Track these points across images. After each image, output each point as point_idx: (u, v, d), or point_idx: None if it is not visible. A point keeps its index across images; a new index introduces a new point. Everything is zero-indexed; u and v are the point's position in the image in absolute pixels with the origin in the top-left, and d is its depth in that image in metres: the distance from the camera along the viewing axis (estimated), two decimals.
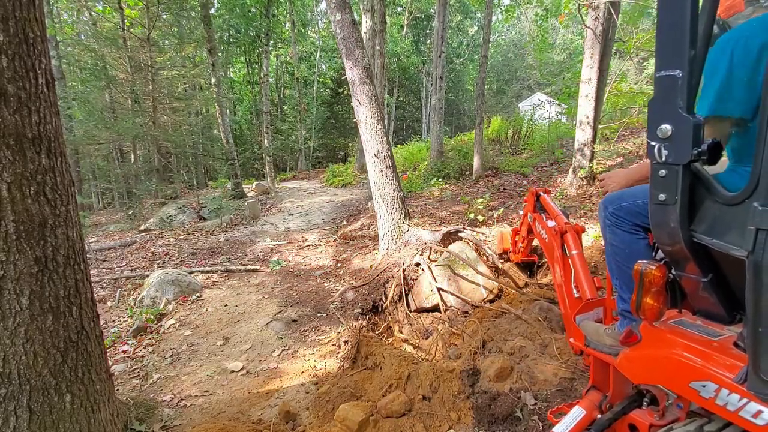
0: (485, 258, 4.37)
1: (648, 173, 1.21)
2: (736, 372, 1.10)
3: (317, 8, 26.62)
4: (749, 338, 1.01)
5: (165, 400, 3.07)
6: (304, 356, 3.67)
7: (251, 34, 18.81)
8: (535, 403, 2.39)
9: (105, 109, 12.65)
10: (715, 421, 1.23)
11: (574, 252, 2.37)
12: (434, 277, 4.00)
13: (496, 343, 2.95)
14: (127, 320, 4.49)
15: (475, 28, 29.39)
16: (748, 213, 0.95)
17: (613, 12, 6.64)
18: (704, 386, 1.16)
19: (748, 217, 0.95)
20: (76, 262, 2.14)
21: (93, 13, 14.50)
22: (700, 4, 1.07)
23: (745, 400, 1.06)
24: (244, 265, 6.41)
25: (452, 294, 3.85)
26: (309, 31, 26.38)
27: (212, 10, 15.12)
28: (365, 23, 12.78)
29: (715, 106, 1.21)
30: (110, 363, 3.20)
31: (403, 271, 4.27)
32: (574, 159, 7.24)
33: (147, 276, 5.50)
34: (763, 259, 0.92)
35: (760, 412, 1.03)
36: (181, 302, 4.78)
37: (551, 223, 2.73)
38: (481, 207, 6.72)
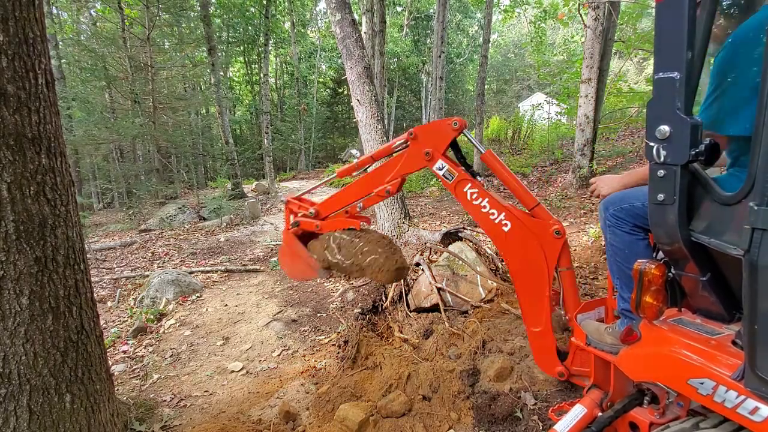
0: (485, 258, 4.37)
1: (642, 179, 1.22)
2: (733, 369, 1.10)
3: (317, 8, 26.63)
4: (746, 336, 1.02)
5: (165, 400, 3.07)
6: (304, 356, 3.67)
7: (250, 33, 18.83)
8: (535, 403, 2.40)
9: (105, 109, 12.66)
10: (711, 418, 1.23)
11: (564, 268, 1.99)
12: (434, 277, 4.00)
13: (496, 343, 2.96)
14: (127, 320, 4.49)
15: (475, 27, 29.41)
16: (745, 213, 0.96)
17: (612, 12, 6.65)
18: (702, 383, 1.16)
19: (745, 217, 0.95)
20: (76, 262, 2.15)
21: (93, 12, 14.52)
22: (699, 6, 1.08)
23: (742, 397, 1.07)
24: (244, 265, 6.41)
25: (452, 294, 3.85)
26: (309, 31, 26.40)
27: (210, 10, 15.10)
28: (365, 23, 12.79)
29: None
30: (110, 363, 3.20)
31: None
32: (574, 159, 7.25)
33: (147, 276, 5.51)
34: (759, 257, 0.93)
35: (757, 408, 1.04)
36: (181, 302, 4.78)
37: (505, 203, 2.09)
38: None
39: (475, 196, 2.05)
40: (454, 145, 2.18)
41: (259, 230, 8.82)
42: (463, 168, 2.14)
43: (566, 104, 11.48)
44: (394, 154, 2.26)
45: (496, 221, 2.00)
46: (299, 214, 2.58)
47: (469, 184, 2.06)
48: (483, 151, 2.13)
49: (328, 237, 2.56)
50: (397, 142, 2.22)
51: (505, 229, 1.98)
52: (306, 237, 2.69)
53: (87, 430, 2.13)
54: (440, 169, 2.10)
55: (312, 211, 2.51)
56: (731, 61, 1.18)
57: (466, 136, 2.16)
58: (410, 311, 3.99)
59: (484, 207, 2.03)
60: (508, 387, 2.50)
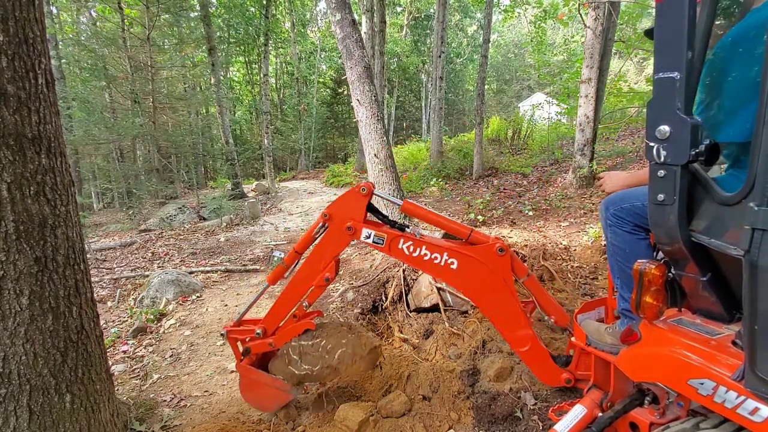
0: None
1: (647, 180, 1.21)
2: (734, 370, 1.10)
3: (317, 8, 26.63)
4: (746, 336, 1.02)
5: (165, 400, 3.07)
6: None
7: (250, 33, 18.84)
8: (535, 403, 2.40)
9: (105, 109, 12.65)
10: (711, 419, 1.23)
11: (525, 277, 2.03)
12: (434, 277, 4.00)
13: (496, 343, 2.96)
14: (127, 320, 4.49)
15: (474, 27, 29.42)
16: (745, 213, 0.96)
17: (612, 12, 6.66)
18: (702, 384, 1.16)
19: (745, 217, 0.95)
20: (76, 262, 2.15)
21: (93, 12, 14.52)
22: (698, 6, 1.07)
23: (742, 397, 1.07)
24: (244, 265, 6.41)
25: (452, 294, 3.85)
26: (309, 31, 26.40)
27: (210, 9, 15.10)
28: (365, 23, 12.79)
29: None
30: (110, 363, 3.20)
31: (403, 271, 4.27)
32: (574, 159, 7.25)
33: (147, 276, 5.51)
34: (759, 258, 0.93)
35: (757, 409, 1.04)
36: (181, 302, 4.78)
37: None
38: (481, 207, 6.72)
39: (412, 248, 2.02)
40: (371, 208, 2.16)
41: (259, 230, 8.82)
42: (388, 226, 2.12)
43: (566, 104, 11.49)
44: (317, 241, 2.22)
45: (442, 263, 1.97)
46: (246, 340, 2.42)
47: (402, 240, 2.03)
48: (400, 203, 2.12)
49: (286, 350, 2.39)
50: (316, 228, 2.21)
51: (453, 267, 1.96)
52: (264, 360, 2.51)
53: (87, 430, 2.13)
54: (368, 237, 2.07)
55: (258, 331, 2.36)
56: (729, 61, 1.18)
57: (379, 195, 2.16)
58: (410, 311, 3.99)
59: (426, 254, 2.00)
60: (508, 387, 2.50)
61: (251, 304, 2.55)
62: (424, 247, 1.99)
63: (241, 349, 2.49)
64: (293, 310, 2.33)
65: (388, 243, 2.04)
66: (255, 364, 2.53)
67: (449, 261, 1.96)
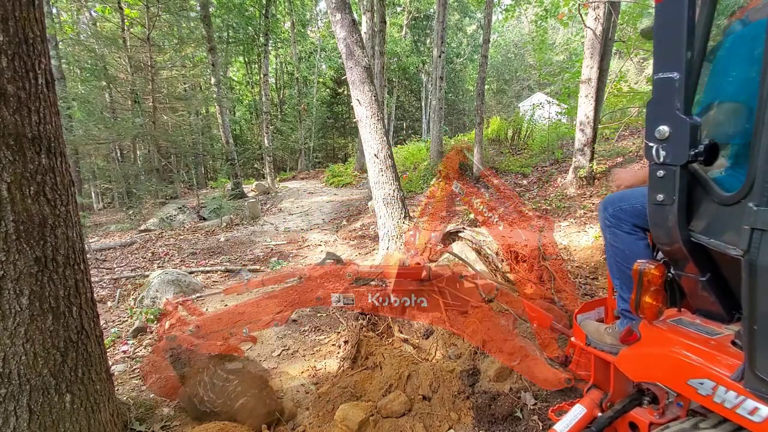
0: (485, 258, 4.37)
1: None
2: (733, 370, 1.10)
3: (317, 8, 26.62)
4: (745, 336, 1.02)
5: (165, 400, 3.07)
6: (304, 356, 3.67)
7: (250, 33, 18.83)
8: (535, 403, 2.40)
9: (105, 109, 12.65)
10: (711, 419, 1.23)
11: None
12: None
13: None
14: (127, 320, 4.49)
15: (474, 26, 29.41)
16: (744, 213, 0.96)
17: (612, 12, 6.65)
18: (702, 384, 1.16)
19: (744, 217, 0.95)
20: (76, 262, 2.15)
21: (93, 12, 14.53)
22: (698, 6, 1.07)
23: (742, 397, 1.07)
24: (244, 265, 6.41)
25: (452, 293, 3.85)
26: (309, 31, 26.39)
27: (210, 9, 15.09)
28: (365, 23, 12.80)
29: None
30: (110, 363, 3.20)
31: None
32: (574, 159, 7.25)
33: (147, 276, 5.51)
34: (758, 258, 0.93)
35: (756, 409, 1.04)
36: (181, 302, 4.78)
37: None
38: (480, 207, 6.71)
39: (381, 299, 2.11)
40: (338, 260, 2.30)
41: (259, 230, 8.82)
42: (354, 284, 2.23)
43: (566, 104, 11.48)
44: (285, 285, 2.31)
45: (413, 304, 2.08)
46: (180, 330, 2.46)
47: (369, 294, 2.12)
48: (350, 275, 2.26)
49: (203, 370, 2.51)
50: (290, 279, 2.30)
51: (424, 305, 2.07)
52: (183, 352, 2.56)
53: (87, 430, 2.13)
54: (338, 302, 2.19)
55: (191, 329, 2.42)
56: (729, 61, 1.18)
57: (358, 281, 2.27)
58: None
59: (395, 301, 2.09)
60: (508, 387, 2.50)
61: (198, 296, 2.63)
62: (392, 296, 2.09)
63: (166, 326, 2.52)
64: (233, 328, 2.43)
65: (358, 301, 2.14)
66: (172, 350, 2.58)
67: (419, 300, 2.08)
